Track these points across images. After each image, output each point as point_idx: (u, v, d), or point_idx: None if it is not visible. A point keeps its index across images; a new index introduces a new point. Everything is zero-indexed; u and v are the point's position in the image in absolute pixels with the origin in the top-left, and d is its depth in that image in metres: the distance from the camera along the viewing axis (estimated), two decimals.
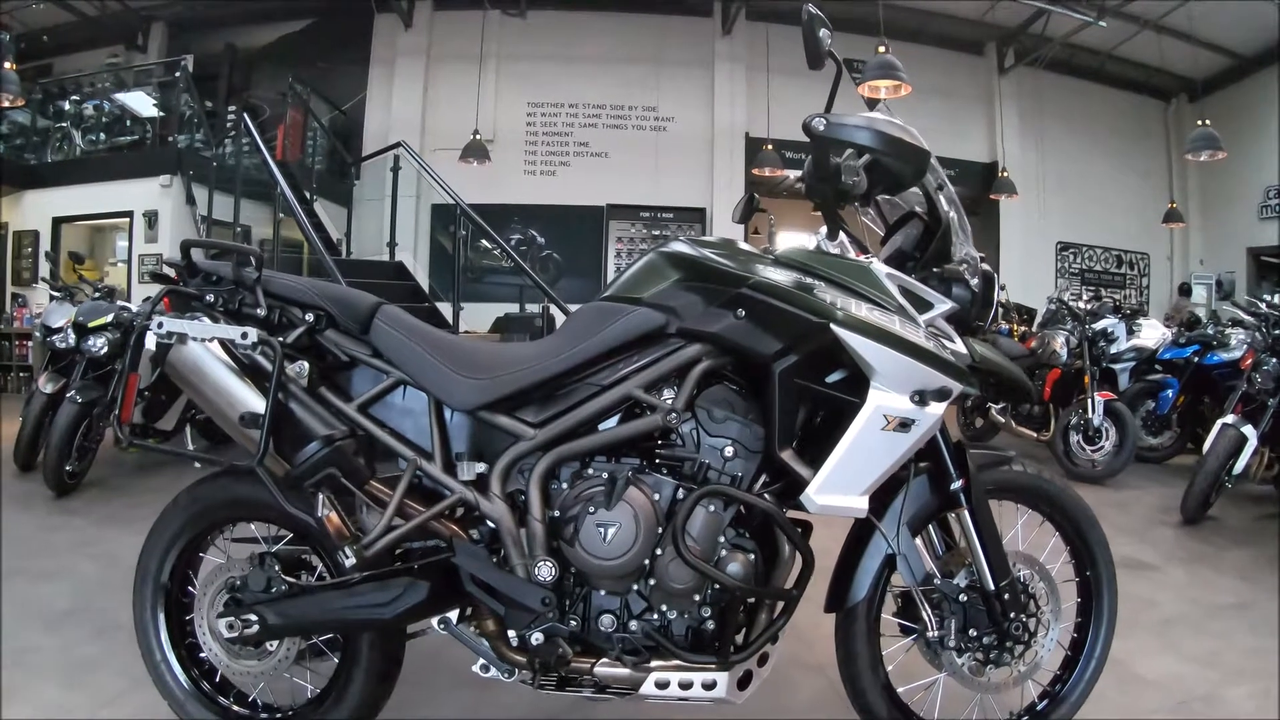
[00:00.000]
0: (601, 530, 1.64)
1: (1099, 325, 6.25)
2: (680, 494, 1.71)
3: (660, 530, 1.67)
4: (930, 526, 1.92)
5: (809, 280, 1.68)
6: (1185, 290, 13.09)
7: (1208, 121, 8.78)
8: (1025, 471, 1.97)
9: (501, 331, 9.06)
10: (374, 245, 10.18)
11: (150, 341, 1.67)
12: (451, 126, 10.97)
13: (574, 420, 1.72)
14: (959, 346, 1.73)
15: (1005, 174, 12.31)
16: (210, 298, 1.74)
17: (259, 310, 1.73)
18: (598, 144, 12.06)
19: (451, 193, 8.19)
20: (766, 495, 1.70)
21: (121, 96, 10.68)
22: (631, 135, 12.09)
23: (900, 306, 1.68)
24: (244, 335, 1.65)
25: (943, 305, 1.73)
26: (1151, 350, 6.56)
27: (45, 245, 9.84)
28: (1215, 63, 12.83)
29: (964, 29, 12.87)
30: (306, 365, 1.73)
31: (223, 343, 1.69)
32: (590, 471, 1.74)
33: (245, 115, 8.07)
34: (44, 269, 8.90)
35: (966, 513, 1.83)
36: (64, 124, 10.50)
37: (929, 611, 1.82)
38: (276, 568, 1.77)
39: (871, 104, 10.78)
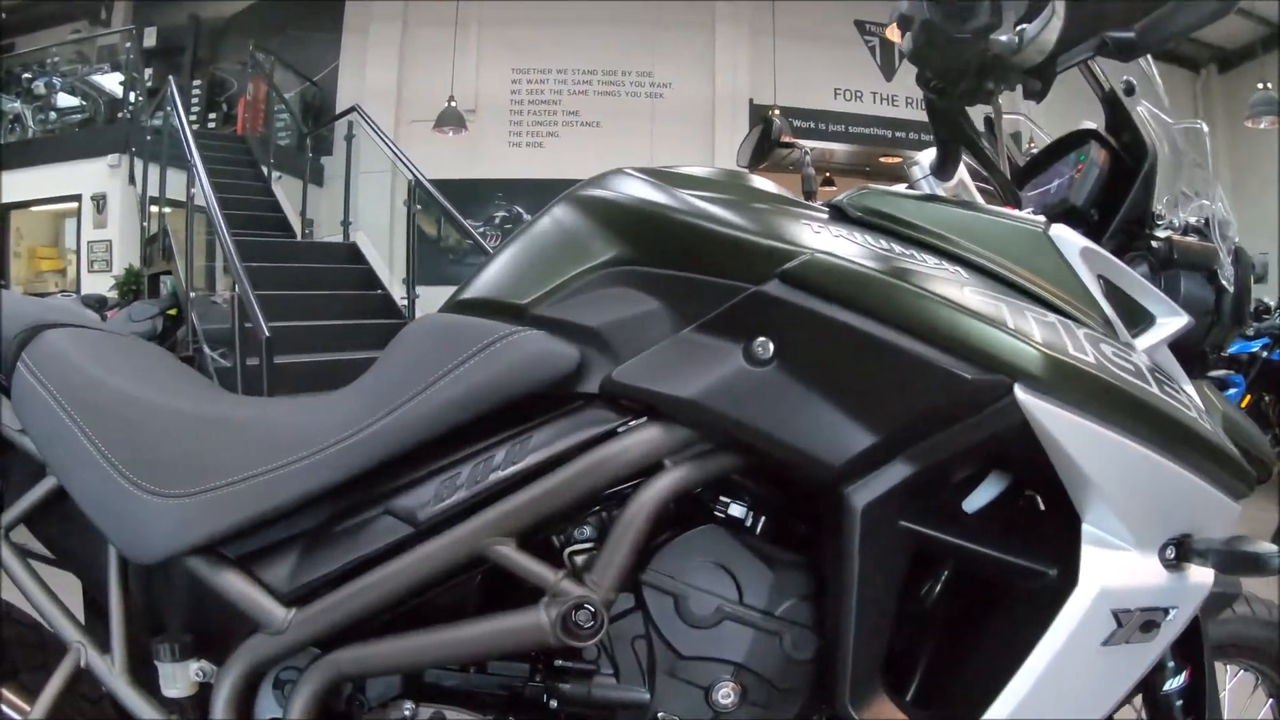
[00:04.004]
0: None
1: None
2: None
3: None
4: None
5: (919, 262, 0.76)
6: None
7: (1269, 85, 7.83)
8: (1255, 616, 1.12)
9: None
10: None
11: None
12: (430, 98, 10.08)
13: (370, 598, 0.78)
14: (1199, 403, 0.82)
15: (1032, 145, 11.43)
16: None
17: None
18: (589, 112, 11.09)
19: (409, 163, 7.30)
20: None
21: (97, 78, 9.97)
22: (625, 103, 11.13)
23: (1107, 322, 0.78)
24: None
25: (1174, 321, 0.82)
26: None
27: None
28: (1251, 31, 11.94)
29: None
30: None
31: None
32: (406, 713, 0.79)
33: (171, 81, 7.24)
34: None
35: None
36: (15, 104, 9.72)
37: None
38: None
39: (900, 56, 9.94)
